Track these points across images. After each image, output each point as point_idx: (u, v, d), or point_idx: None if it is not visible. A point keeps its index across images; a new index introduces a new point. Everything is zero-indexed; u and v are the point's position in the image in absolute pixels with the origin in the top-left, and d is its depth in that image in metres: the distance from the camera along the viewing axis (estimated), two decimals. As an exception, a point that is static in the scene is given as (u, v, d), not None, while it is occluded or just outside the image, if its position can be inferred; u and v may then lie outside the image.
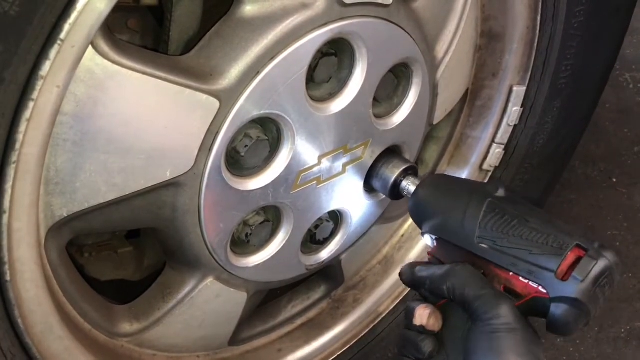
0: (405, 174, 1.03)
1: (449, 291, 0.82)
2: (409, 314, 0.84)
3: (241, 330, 1.13)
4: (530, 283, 0.81)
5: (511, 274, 0.82)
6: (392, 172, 1.03)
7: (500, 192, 0.88)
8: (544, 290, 0.80)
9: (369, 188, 1.07)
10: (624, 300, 1.64)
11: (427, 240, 0.93)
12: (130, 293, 1.03)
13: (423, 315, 0.82)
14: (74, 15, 0.61)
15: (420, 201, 0.94)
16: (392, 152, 1.05)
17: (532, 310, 0.81)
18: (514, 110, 1.22)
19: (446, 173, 1.31)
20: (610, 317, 1.61)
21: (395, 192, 1.03)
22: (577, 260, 0.79)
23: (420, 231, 0.93)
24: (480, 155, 1.28)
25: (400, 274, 0.90)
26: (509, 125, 1.24)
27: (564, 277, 0.79)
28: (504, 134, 1.25)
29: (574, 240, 0.81)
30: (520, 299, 0.81)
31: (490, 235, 0.84)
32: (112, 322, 0.96)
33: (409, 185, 1.02)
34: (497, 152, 1.27)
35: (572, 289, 0.78)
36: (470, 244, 0.85)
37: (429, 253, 0.92)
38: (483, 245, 0.84)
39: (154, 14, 0.88)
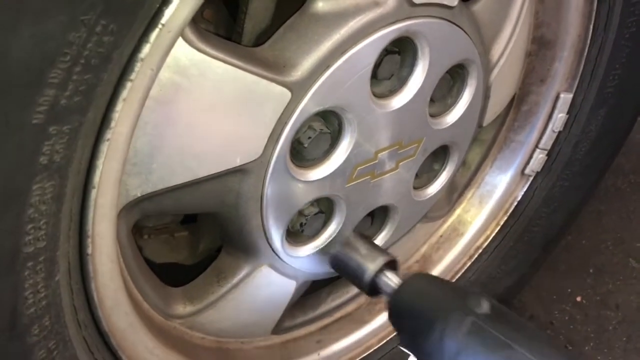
0: (385, 269, 0.97)
1: None
2: None
3: (284, 320, 1.16)
4: None
5: None
6: (371, 265, 0.97)
7: (485, 308, 0.81)
8: None
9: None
10: (652, 311, 1.65)
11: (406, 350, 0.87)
12: (179, 277, 1.05)
13: None
14: (175, 1, 0.64)
15: (397, 310, 0.89)
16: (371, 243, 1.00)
17: None
18: (559, 117, 1.25)
19: (488, 176, 1.34)
20: (639, 328, 1.62)
21: (373, 288, 0.97)
22: None
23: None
24: (523, 160, 1.30)
25: None
26: (553, 131, 1.26)
27: None
28: (547, 140, 1.27)
29: None
30: None
31: None
32: (167, 304, 0.99)
33: (388, 283, 0.95)
34: (540, 157, 1.29)
35: None
36: None
37: None
38: None
39: (226, 6, 0.91)
